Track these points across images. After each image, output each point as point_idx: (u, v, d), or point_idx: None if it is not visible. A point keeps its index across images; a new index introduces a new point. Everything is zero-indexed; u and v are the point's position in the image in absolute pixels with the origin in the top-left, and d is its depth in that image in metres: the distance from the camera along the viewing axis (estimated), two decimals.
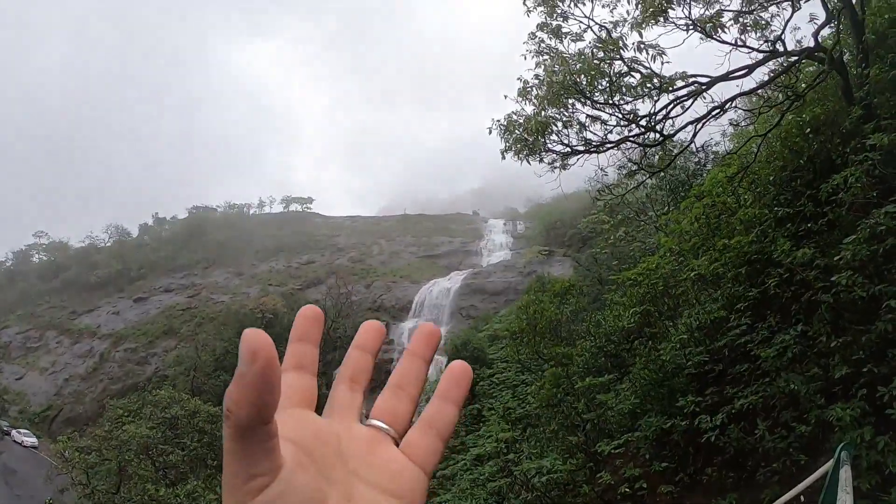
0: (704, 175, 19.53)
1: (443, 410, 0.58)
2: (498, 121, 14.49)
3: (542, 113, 14.41)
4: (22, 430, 59.93)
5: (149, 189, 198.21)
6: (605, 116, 14.02)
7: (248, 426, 0.45)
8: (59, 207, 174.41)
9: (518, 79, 14.00)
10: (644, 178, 20.62)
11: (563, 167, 15.02)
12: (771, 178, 12.91)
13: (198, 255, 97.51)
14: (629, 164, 22.58)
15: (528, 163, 15.30)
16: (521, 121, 14.31)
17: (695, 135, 14.31)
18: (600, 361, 19.96)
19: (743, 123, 19.09)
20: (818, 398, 8.17)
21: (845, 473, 4.38)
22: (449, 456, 31.21)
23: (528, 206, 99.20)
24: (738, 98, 13.21)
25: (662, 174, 21.12)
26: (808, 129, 11.44)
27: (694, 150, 21.20)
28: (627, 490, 11.85)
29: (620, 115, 13.91)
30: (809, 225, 10.13)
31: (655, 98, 13.35)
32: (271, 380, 0.45)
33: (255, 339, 0.46)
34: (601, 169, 16.76)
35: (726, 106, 12.95)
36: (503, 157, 15.66)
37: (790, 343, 9.08)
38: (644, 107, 13.77)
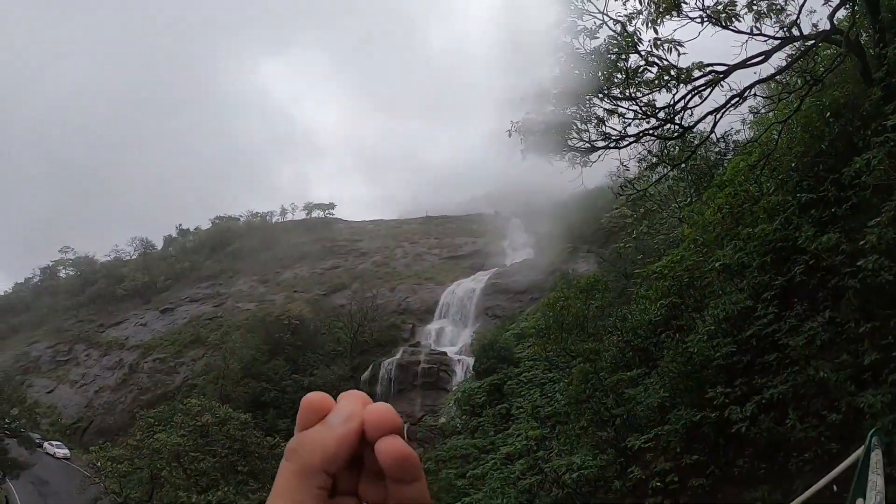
0: (726, 165, 19.36)
1: (402, 492, 0.54)
2: (517, 122, 14.51)
3: (562, 111, 14.42)
4: (54, 442, 60.75)
5: (172, 201, 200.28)
6: (622, 110, 13.97)
7: (316, 470, 0.51)
8: (85, 223, 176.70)
9: (535, 80, 14.00)
10: (665, 170, 20.52)
11: (584, 164, 15.00)
12: (793, 165, 12.77)
13: (222, 265, 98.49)
14: (649, 158, 22.49)
15: (550, 164, 15.33)
16: (540, 119, 14.32)
17: (714, 125, 14.22)
18: (628, 356, 19.87)
19: (762, 110, 18.91)
20: (848, 385, 8.07)
21: (876, 457, 4.35)
22: (479, 456, 31.25)
23: (549, 204, 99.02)
24: (757, 85, 13.08)
25: (684, 166, 20.99)
26: (829, 113, 11.30)
27: (714, 140, 21.06)
28: (659, 484, 11.79)
29: (639, 108, 13.85)
30: (833, 210, 10.00)
31: (673, 90, 13.28)
32: (354, 442, 0.51)
33: (355, 401, 0.53)
34: (622, 164, 16.71)
35: (745, 94, 12.83)
36: (523, 158, 15.68)
37: (818, 330, 8.98)
38: (662, 98, 13.72)
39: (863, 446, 5.08)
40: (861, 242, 8.07)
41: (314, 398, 0.54)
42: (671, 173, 21.77)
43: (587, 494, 15.18)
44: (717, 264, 14.02)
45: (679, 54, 12.44)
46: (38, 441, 56.65)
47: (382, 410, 0.53)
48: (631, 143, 14.78)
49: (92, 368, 79.59)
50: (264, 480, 27.48)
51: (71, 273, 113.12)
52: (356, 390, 0.55)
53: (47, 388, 76.63)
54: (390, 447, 0.51)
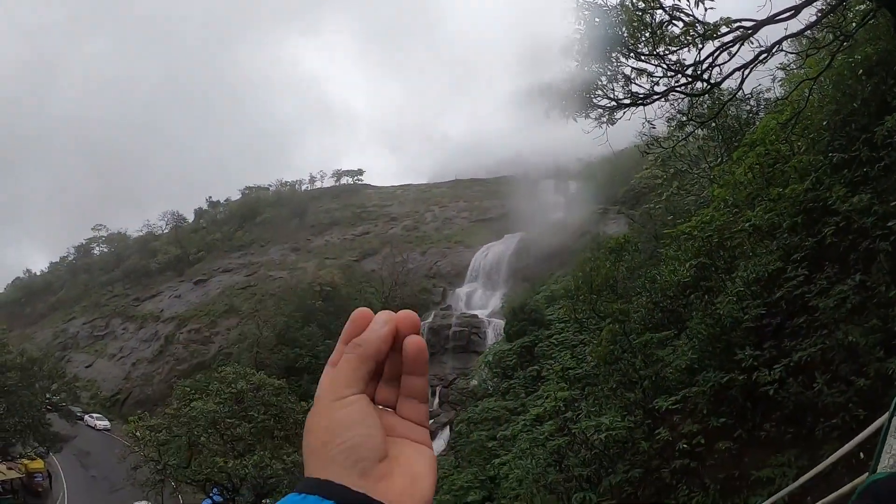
0: (757, 123, 18.92)
1: (410, 383, 0.72)
2: (541, 82, 14.27)
3: (586, 69, 14.16)
4: (94, 415, 62.85)
5: (202, 175, 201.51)
6: (650, 68, 13.67)
7: (371, 357, 0.69)
8: (117, 200, 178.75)
9: (559, 37, 13.72)
10: (693, 129, 20.13)
11: (611, 122, 14.74)
12: (824, 124, 12.42)
13: (253, 235, 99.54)
14: (678, 116, 22.07)
15: (575, 120, 15.09)
16: (565, 77, 14.08)
17: (742, 81, 13.84)
18: (657, 317, 19.72)
19: (792, 67, 18.38)
20: (877, 350, 7.92)
21: None
22: (510, 418, 31.48)
23: (579, 166, 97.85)
24: (786, 41, 12.68)
25: (713, 124, 20.57)
26: (861, 71, 10.93)
27: (743, 97, 20.55)
28: (685, 446, 11.75)
29: (666, 66, 13.54)
30: (866, 170, 9.73)
31: (700, 46, 12.95)
32: (392, 338, 0.70)
33: (389, 312, 0.72)
34: (649, 122, 16.41)
35: (773, 49, 12.44)
36: (548, 116, 15.47)
37: (848, 294, 8.80)
38: (689, 56, 13.38)
39: (888, 412, 4.96)
40: (893, 204, 7.85)
41: (360, 311, 0.73)
42: (700, 132, 21.38)
43: (615, 455, 15.21)
44: (746, 225, 13.77)
45: (706, 9, 12.10)
46: (78, 414, 58.59)
47: (409, 314, 0.72)
48: (657, 99, 14.48)
49: (129, 342, 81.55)
50: (299, 444, 27.94)
51: (105, 250, 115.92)
52: (387, 310, 0.73)
53: (86, 363, 78.89)
54: (415, 341, 0.70)
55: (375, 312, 0.73)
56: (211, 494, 29.32)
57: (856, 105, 11.12)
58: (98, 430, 59.49)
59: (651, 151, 20.57)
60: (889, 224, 7.93)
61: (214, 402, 29.27)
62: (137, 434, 30.13)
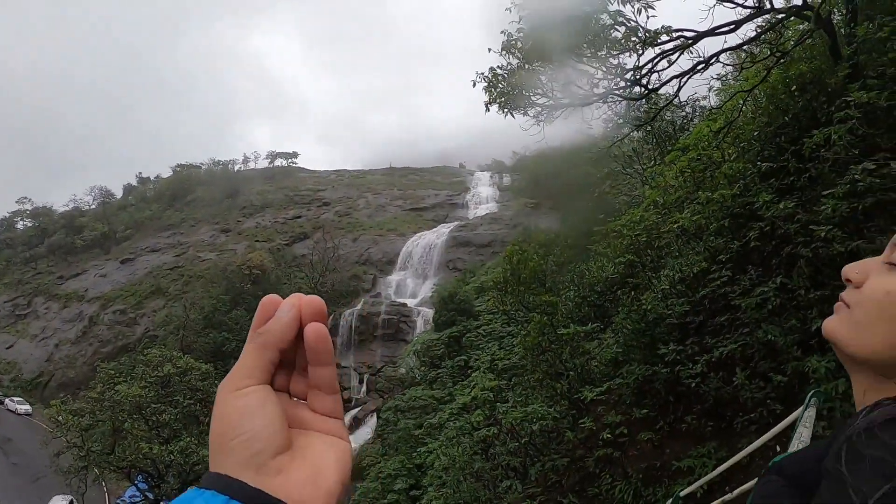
0: (691, 129, 19.58)
1: (316, 373, 0.70)
2: (482, 74, 14.38)
3: (527, 66, 14.34)
4: (15, 399, 60.54)
5: (132, 150, 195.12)
6: (591, 70, 13.96)
7: (271, 346, 0.67)
8: (42, 173, 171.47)
9: (502, 32, 13.86)
10: (629, 131, 20.67)
11: (548, 122, 15.00)
12: (755, 134, 12.99)
13: (183, 214, 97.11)
14: (615, 118, 22.61)
15: (513, 116, 15.27)
16: (506, 74, 14.24)
17: (679, 88, 14.30)
18: (584, 311, 20.26)
19: (728, 78, 19.07)
20: (795, 350, 8.40)
21: (809, 413, 4.59)
22: (437, 406, 31.80)
23: (514, 159, 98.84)
24: (724, 53, 13.19)
25: (649, 128, 21.16)
26: (794, 87, 11.47)
27: (679, 103, 21.19)
28: (609, 436, 12.14)
29: (606, 69, 13.85)
30: (792, 179, 10.24)
31: (640, 52, 13.31)
32: (295, 325, 0.68)
33: (296, 297, 0.70)
34: (586, 123, 16.75)
35: (711, 60, 12.93)
36: (487, 110, 15.62)
37: (770, 295, 9.27)
38: (630, 61, 13.73)
39: (802, 406, 5.33)
40: (816, 211, 8.32)
41: (269, 298, 0.70)
42: (636, 134, 21.97)
43: (541, 445, 15.58)
44: (674, 226, 14.27)
45: (647, 17, 12.46)
46: None
47: (313, 300, 0.69)
48: (595, 101, 14.80)
49: (52, 322, 78.57)
50: None
51: (29, 224, 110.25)
52: (298, 293, 0.70)
53: (7, 344, 75.76)
54: (315, 328, 0.67)
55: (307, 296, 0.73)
56: (136, 482, 28.74)
57: (787, 119, 11.66)
58: (19, 414, 57.23)
59: (588, 153, 21.06)
60: (812, 231, 8.39)
61: (139, 386, 28.61)
62: (60, 419, 29.15)
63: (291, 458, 0.65)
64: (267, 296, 0.71)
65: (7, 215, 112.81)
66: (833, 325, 1.11)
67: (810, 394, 5.40)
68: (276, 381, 0.70)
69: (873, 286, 1.06)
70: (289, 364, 0.72)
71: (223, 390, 0.67)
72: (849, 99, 8.83)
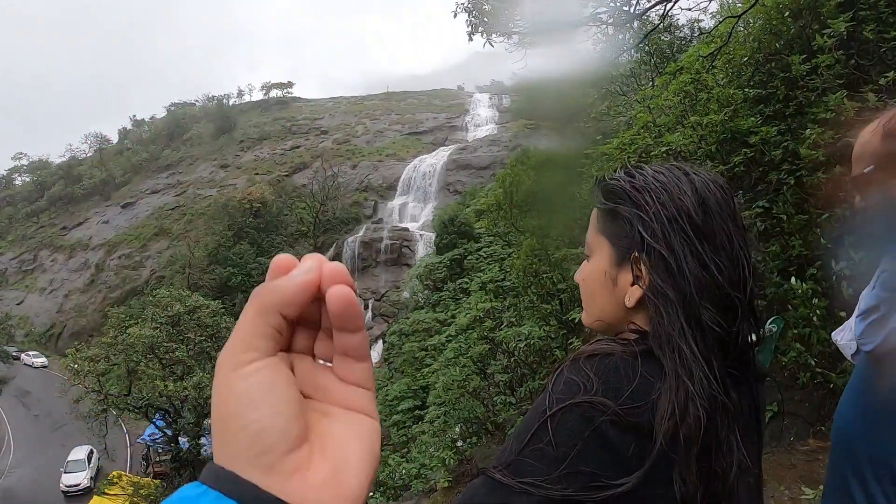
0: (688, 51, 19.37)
1: (343, 340, 0.58)
2: (462, 3, 14.25)
3: None
4: (31, 353, 61.43)
5: (125, 92, 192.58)
6: None
7: (270, 309, 0.54)
8: (35, 125, 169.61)
9: None
10: (619, 52, 20.41)
11: (532, 45, 14.92)
12: (745, 59, 12.99)
13: (181, 153, 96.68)
14: (605, 40, 22.28)
15: (492, 45, 15.22)
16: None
17: (665, 14, 14.18)
18: (575, 233, 20.50)
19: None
20: (774, 275, 8.74)
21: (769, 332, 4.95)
22: (440, 329, 32.50)
23: (513, 80, 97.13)
24: None
25: (645, 48, 20.88)
26: (787, 13, 11.42)
27: (671, 24, 20.88)
28: None
29: None
30: (780, 106, 10.35)
31: None
32: (311, 290, 0.55)
33: (316, 259, 0.57)
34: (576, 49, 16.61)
35: None
36: (470, 40, 15.56)
37: (755, 220, 9.53)
38: None
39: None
40: (802, 137, 8.47)
41: (282, 258, 0.58)
42: (632, 55, 21.68)
43: (533, 363, 16.15)
44: (663, 148, 14.40)
45: None
46: (14, 354, 57.44)
47: (337, 266, 0.57)
48: (579, 26, 14.69)
49: (59, 273, 79.13)
50: None
51: (27, 179, 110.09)
52: (318, 253, 0.59)
53: (17, 300, 76.48)
54: (339, 292, 0.55)
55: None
56: (154, 420, 29.75)
57: (778, 45, 11.65)
58: (36, 367, 58.35)
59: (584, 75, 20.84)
60: (798, 160, 8.58)
61: (151, 327, 29.16)
62: (76, 367, 29.86)
63: (309, 452, 0.53)
64: (279, 255, 0.58)
65: (5, 173, 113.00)
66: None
67: (771, 319, 5.77)
68: (298, 341, 0.59)
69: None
70: (313, 323, 0.60)
71: (222, 366, 0.54)
72: (828, 30, 8.89)
